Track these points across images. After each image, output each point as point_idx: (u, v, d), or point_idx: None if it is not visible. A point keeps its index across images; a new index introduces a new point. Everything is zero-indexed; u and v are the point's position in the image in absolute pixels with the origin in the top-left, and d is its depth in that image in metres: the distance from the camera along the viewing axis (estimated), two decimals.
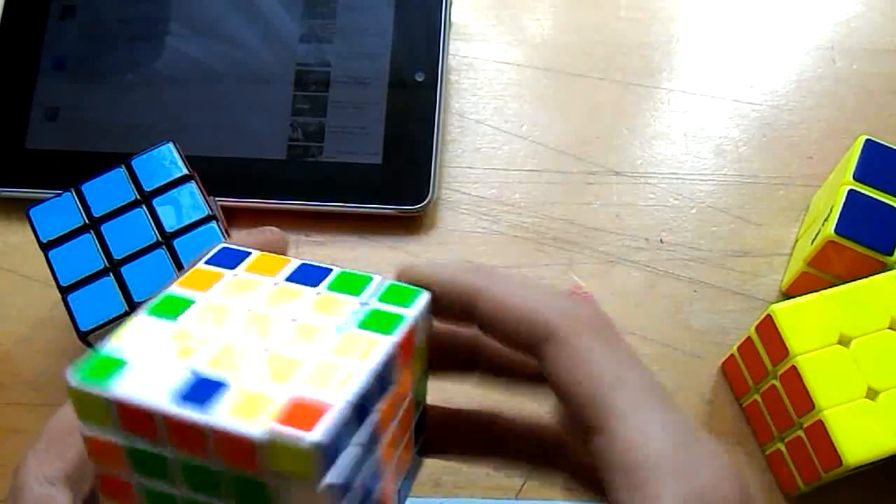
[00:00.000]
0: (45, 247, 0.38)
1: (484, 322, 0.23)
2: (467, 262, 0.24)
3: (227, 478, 0.20)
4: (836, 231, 0.38)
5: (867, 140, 0.40)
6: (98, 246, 0.37)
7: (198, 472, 0.20)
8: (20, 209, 0.40)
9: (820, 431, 0.35)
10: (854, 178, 0.39)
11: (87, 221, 0.38)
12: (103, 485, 0.22)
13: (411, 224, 0.45)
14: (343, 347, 0.21)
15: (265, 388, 0.20)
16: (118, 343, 0.21)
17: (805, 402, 0.35)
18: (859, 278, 0.37)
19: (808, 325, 0.36)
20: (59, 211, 0.38)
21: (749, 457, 0.40)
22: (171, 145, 0.39)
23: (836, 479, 0.36)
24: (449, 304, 0.24)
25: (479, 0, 0.51)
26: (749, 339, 0.39)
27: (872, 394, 0.35)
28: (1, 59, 0.47)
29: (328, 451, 0.19)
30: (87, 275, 0.37)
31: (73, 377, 0.20)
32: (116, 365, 0.20)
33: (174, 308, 0.22)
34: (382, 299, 0.23)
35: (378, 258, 0.45)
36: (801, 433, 0.36)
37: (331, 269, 0.24)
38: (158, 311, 0.22)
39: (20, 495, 0.23)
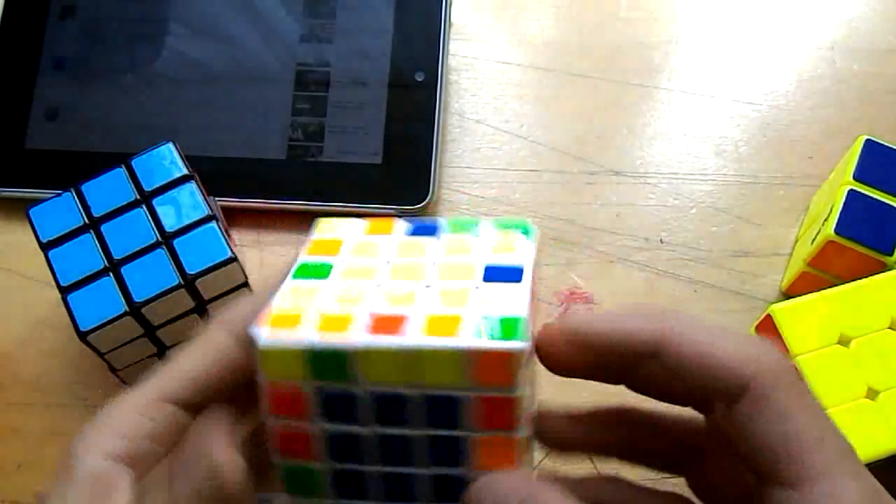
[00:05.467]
0: (45, 247, 0.38)
1: (664, 373, 0.23)
2: (647, 307, 0.24)
3: (418, 401, 0.22)
4: (836, 231, 0.38)
5: (867, 140, 0.40)
6: (98, 246, 0.37)
7: (388, 402, 0.22)
8: (20, 209, 0.40)
9: None
10: (854, 178, 0.39)
11: (86, 221, 0.38)
12: (282, 442, 0.23)
13: None
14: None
15: (447, 311, 0.22)
16: (284, 302, 0.23)
17: None
18: (859, 278, 0.37)
19: (808, 325, 0.36)
20: (59, 211, 0.38)
21: None
22: (171, 145, 0.39)
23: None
24: (623, 359, 0.23)
25: (479, 0, 0.51)
26: None
27: (872, 394, 0.35)
28: (1, 59, 0.47)
29: (526, 358, 0.21)
30: (87, 275, 0.37)
31: (263, 336, 0.22)
32: (295, 319, 0.22)
33: (318, 272, 0.24)
34: (500, 227, 0.25)
35: None
36: None
37: (438, 225, 0.26)
38: (305, 275, 0.24)
39: (75, 466, 0.23)
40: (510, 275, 0.23)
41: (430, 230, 0.26)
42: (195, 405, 0.24)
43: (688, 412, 0.25)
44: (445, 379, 0.21)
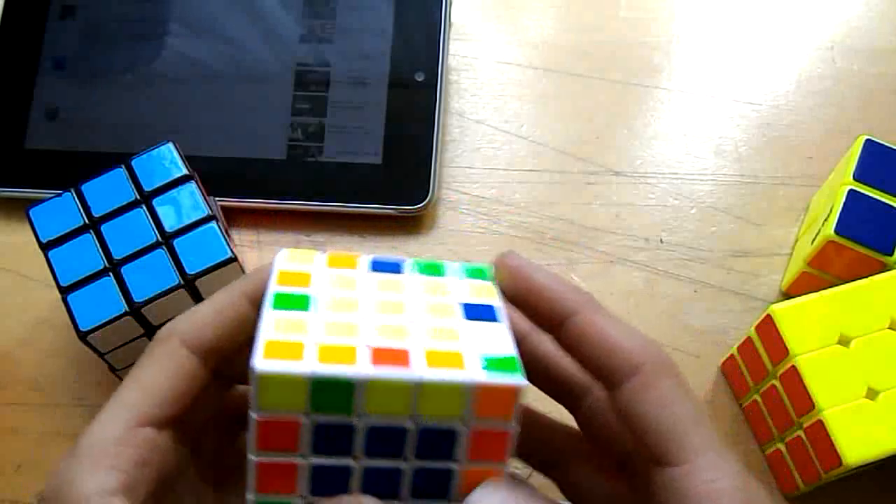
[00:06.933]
0: (45, 247, 0.38)
1: (572, 338, 0.26)
2: (568, 280, 0.27)
3: (415, 433, 0.22)
4: (836, 231, 0.38)
5: (867, 140, 0.40)
6: (98, 246, 0.37)
7: (384, 434, 0.22)
8: (20, 209, 0.40)
9: (820, 431, 0.35)
10: (854, 178, 0.39)
11: (86, 221, 0.38)
12: (262, 477, 0.23)
13: (411, 224, 0.45)
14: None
15: (444, 346, 0.23)
16: (272, 332, 0.23)
17: (805, 402, 0.35)
18: (859, 278, 0.37)
19: (807, 325, 0.36)
20: (59, 211, 0.38)
21: (749, 457, 0.40)
22: (171, 145, 0.39)
23: (836, 479, 0.36)
24: (542, 311, 0.26)
25: (479, 0, 0.51)
26: (749, 339, 0.39)
27: (872, 394, 0.35)
28: (1, 59, 0.47)
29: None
30: (87, 275, 0.37)
31: (263, 364, 0.21)
32: (293, 349, 0.22)
33: (298, 303, 0.24)
34: (469, 275, 0.27)
35: None
36: (800, 433, 0.36)
37: (402, 260, 0.27)
38: (284, 306, 0.24)
39: None
40: (487, 313, 0.25)
41: (392, 267, 0.26)
42: (166, 421, 0.25)
43: (561, 421, 0.29)
44: (446, 412, 0.22)
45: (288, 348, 0.22)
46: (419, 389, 0.22)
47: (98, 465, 0.23)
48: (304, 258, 0.26)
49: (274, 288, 0.25)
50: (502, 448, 0.23)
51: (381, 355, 0.22)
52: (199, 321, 0.26)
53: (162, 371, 0.25)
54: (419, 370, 0.22)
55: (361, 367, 0.22)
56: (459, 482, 0.23)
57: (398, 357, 0.22)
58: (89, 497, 0.23)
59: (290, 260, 0.26)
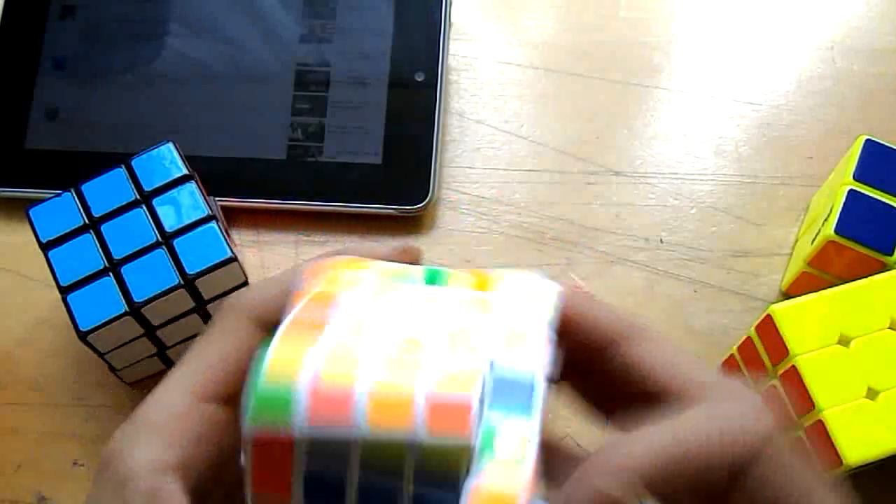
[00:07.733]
0: (45, 247, 0.38)
1: (617, 374, 0.24)
2: (613, 306, 0.25)
3: (408, 495, 0.20)
4: (836, 231, 0.38)
5: (867, 140, 0.40)
6: (98, 246, 0.37)
7: (375, 488, 0.20)
8: (20, 209, 0.40)
9: (820, 431, 0.35)
10: (854, 178, 0.39)
11: (86, 221, 0.38)
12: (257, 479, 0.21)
13: (411, 224, 0.45)
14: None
15: (452, 399, 0.20)
16: (281, 350, 0.21)
17: (805, 402, 0.35)
18: (859, 278, 0.37)
19: (807, 325, 0.36)
20: (59, 211, 0.38)
21: None
22: (170, 145, 0.39)
23: (836, 479, 0.36)
24: (587, 342, 0.24)
25: (479, 0, 0.51)
26: (749, 339, 0.39)
27: (872, 394, 0.35)
28: (1, 59, 0.47)
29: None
30: (86, 275, 0.37)
31: (251, 427, 0.20)
32: (290, 374, 0.20)
33: (325, 301, 0.22)
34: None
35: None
36: (801, 433, 0.36)
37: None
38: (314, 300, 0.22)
39: (129, 485, 0.21)
40: (519, 395, 0.21)
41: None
42: (229, 398, 0.23)
43: None
44: (443, 474, 0.20)
45: (284, 373, 0.20)
46: (416, 451, 0.20)
47: (154, 437, 0.22)
48: (359, 266, 0.24)
49: (313, 284, 0.23)
50: None
51: (381, 408, 0.20)
52: (265, 295, 0.24)
53: (227, 344, 0.23)
54: (418, 430, 0.19)
55: (354, 422, 0.20)
56: None
57: (398, 412, 0.20)
58: (140, 471, 0.21)
59: (335, 266, 0.24)
